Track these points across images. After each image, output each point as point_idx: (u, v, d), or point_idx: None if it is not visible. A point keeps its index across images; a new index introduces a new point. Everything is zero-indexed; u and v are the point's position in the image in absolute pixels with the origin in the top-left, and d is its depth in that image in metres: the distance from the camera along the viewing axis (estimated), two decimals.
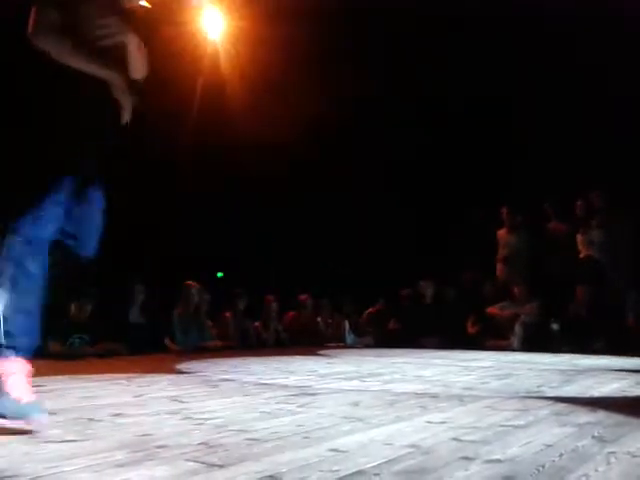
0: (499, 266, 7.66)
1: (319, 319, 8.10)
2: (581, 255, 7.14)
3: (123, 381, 3.31)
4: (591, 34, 6.52)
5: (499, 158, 7.59)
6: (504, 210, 7.79)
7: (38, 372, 4.04)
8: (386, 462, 1.42)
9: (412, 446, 1.59)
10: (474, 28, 6.94)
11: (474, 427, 1.85)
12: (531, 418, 2.01)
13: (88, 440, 1.71)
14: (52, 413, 2.23)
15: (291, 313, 7.98)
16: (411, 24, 7.09)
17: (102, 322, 6.17)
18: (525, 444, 1.60)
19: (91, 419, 2.07)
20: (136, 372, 4.03)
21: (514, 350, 6.34)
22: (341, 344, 7.69)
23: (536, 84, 7.44)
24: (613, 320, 6.28)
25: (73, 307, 5.93)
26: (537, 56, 7.23)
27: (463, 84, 7.63)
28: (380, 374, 3.79)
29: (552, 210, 7.48)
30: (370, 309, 8.36)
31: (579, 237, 7.16)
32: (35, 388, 3.06)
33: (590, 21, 6.23)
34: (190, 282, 6.72)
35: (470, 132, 7.85)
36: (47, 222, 1.98)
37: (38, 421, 1.87)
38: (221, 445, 1.63)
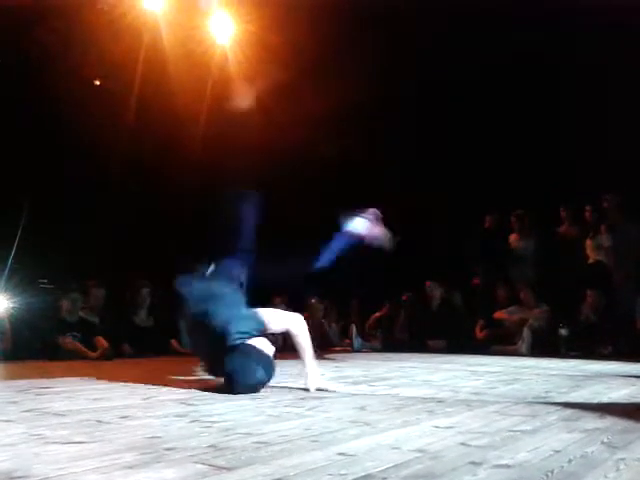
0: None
1: (324, 321, 8.10)
2: (590, 260, 7.11)
3: (131, 383, 3.32)
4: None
5: (509, 162, 7.56)
6: (513, 215, 7.79)
7: (48, 374, 4.07)
8: (394, 466, 1.42)
9: (420, 451, 1.59)
10: None
11: (482, 432, 1.84)
12: (539, 424, 2.00)
13: (96, 442, 1.72)
14: (60, 415, 2.24)
15: None
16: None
17: (110, 324, 6.23)
18: (533, 449, 1.60)
19: (99, 421, 2.08)
20: (144, 374, 4.05)
21: (522, 355, 6.32)
22: (348, 348, 7.68)
23: (546, 88, 7.41)
24: (622, 325, 6.24)
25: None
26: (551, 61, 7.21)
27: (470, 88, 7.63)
28: (388, 378, 3.79)
29: (568, 214, 7.45)
30: (377, 313, 8.34)
31: (588, 242, 7.13)
32: (45, 390, 3.09)
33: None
34: None
35: (481, 137, 7.83)
36: None
37: None
38: (229, 448, 1.63)
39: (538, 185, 7.45)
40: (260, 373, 2.79)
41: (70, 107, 7.03)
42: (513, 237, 7.83)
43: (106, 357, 5.64)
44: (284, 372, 4.12)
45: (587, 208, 7.21)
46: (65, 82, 6.98)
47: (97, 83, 8.03)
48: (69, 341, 5.76)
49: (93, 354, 5.72)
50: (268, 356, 2.89)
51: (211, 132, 8.11)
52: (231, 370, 2.76)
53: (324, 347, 7.50)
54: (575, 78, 7.01)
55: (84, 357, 5.65)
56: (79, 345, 5.77)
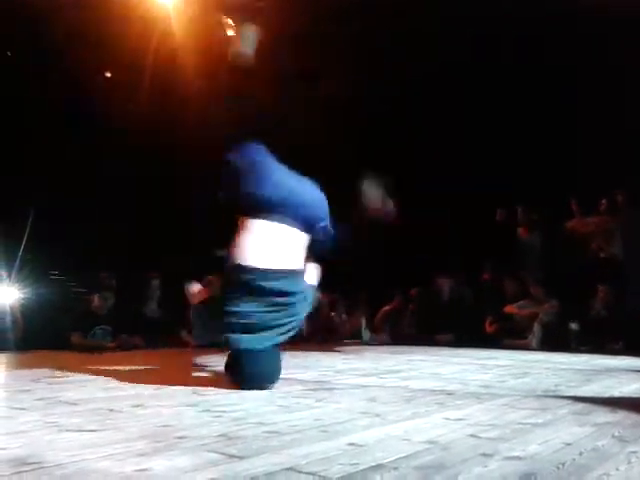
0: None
1: (333, 314, 8.11)
2: (602, 254, 7.07)
3: (142, 373, 3.35)
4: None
5: (520, 155, 7.51)
6: (520, 209, 7.75)
7: (60, 363, 4.11)
8: (404, 457, 1.42)
9: (430, 442, 1.59)
10: None
11: (492, 425, 1.84)
12: (550, 417, 1.99)
13: (109, 430, 1.74)
14: (73, 403, 2.26)
15: None
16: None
17: (121, 316, 6.29)
18: (544, 442, 1.59)
19: (112, 410, 2.10)
20: (155, 365, 4.08)
21: (532, 349, 6.30)
22: (357, 341, 7.69)
23: (552, 81, 7.36)
24: (633, 320, 6.20)
25: (95, 299, 6.04)
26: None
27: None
28: (397, 371, 3.79)
29: (577, 207, 7.41)
30: (386, 307, 8.34)
31: (601, 236, 7.09)
32: (57, 379, 3.12)
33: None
34: (211, 277, 6.75)
35: (488, 132, 7.78)
36: None
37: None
38: (240, 437, 1.64)
39: (549, 178, 7.39)
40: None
41: (83, 100, 7.06)
42: (520, 231, 7.81)
43: (124, 347, 5.72)
44: (293, 364, 4.13)
45: (602, 202, 7.16)
46: (76, 75, 7.02)
47: (108, 75, 8.04)
48: (75, 338, 5.81)
49: (110, 344, 5.80)
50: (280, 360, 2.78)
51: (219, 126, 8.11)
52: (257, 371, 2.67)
53: (333, 340, 7.52)
54: (587, 74, 6.95)
55: (99, 349, 5.69)
56: (89, 341, 5.83)
